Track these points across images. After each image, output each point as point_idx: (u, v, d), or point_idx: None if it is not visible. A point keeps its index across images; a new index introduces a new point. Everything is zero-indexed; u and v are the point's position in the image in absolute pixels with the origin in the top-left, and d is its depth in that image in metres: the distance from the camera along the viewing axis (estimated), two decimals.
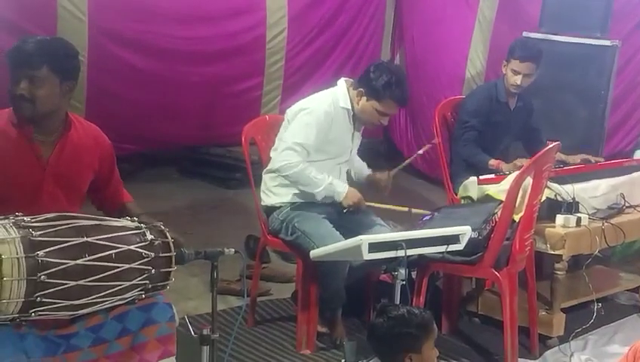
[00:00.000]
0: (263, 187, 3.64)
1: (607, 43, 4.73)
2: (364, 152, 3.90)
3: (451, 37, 6.18)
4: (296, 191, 3.52)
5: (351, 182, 3.70)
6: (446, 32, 6.21)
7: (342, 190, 3.49)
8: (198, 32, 5.74)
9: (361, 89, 3.52)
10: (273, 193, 3.59)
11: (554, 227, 3.62)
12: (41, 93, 2.49)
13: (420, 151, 3.92)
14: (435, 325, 2.52)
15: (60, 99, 2.56)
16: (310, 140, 3.45)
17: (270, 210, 3.61)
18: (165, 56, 5.61)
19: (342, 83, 3.59)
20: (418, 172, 6.11)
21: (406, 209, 3.65)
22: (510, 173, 3.72)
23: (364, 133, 3.78)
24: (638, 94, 5.63)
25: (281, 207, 3.56)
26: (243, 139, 3.69)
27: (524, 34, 4.87)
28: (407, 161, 3.88)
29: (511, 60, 4.10)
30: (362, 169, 3.82)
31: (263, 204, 3.64)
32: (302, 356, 3.52)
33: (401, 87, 3.53)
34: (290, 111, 3.57)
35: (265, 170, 3.65)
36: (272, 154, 3.57)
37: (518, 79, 4.09)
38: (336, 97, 3.54)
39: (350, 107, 3.55)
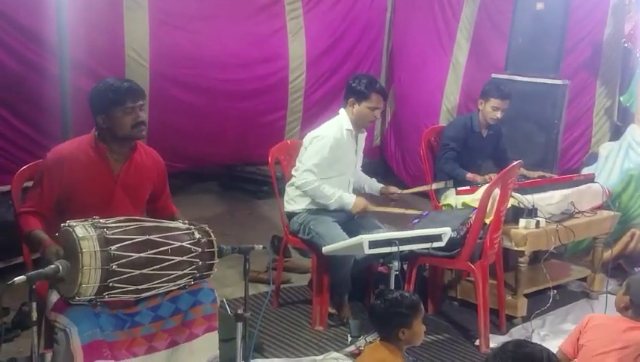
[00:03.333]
0: (285, 197, 3.65)
1: (559, 82, 4.72)
2: (365, 171, 3.90)
3: (430, 77, 6.18)
4: (310, 200, 3.54)
5: (359, 193, 3.70)
6: (426, 72, 6.21)
7: (350, 201, 3.50)
8: (235, 75, 5.76)
9: (351, 98, 3.53)
10: (294, 201, 3.60)
11: (517, 228, 3.60)
12: (145, 117, 2.59)
13: (434, 186, 3.91)
14: (422, 306, 2.50)
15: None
16: (324, 161, 3.46)
17: (291, 215, 3.62)
18: (209, 94, 5.63)
19: (342, 111, 3.60)
20: (405, 184, 6.08)
21: (403, 211, 3.64)
22: (482, 186, 3.72)
23: (363, 154, 3.79)
24: (584, 122, 5.60)
25: (300, 212, 3.56)
26: (269, 159, 3.70)
27: (493, 75, 4.86)
28: (418, 189, 3.88)
29: (490, 99, 4.07)
30: (373, 183, 3.82)
31: (285, 210, 3.65)
32: (316, 331, 3.51)
33: (378, 82, 3.60)
34: (306, 139, 3.58)
35: (287, 184, 3.65)
36: (293, 172, 3.58)
37: (498, 114, 4.07)
38: (341, 123, 3.56)
39: (352, 127, 3.56)
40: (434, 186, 3.93)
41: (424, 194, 4.18)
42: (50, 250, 2.33)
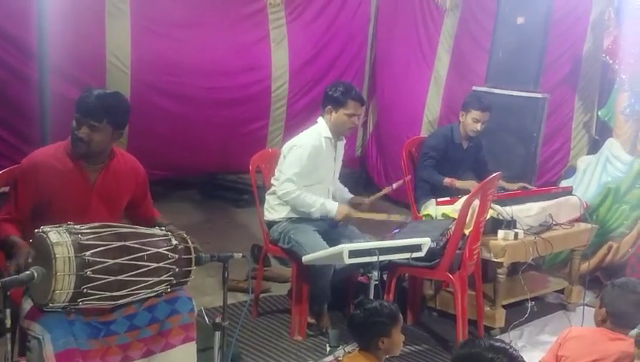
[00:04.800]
0: (265, 205, 3.63)
1: (538, 95, 4.75)
2: (346, 181, 3.90)
3: (413, 89, 6.21)
4: (292, 209, 3.52)
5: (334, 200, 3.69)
6: (409, 85, 6.24)
7: (332, 208, 3.49)
8: (218, 84, 5.75)
9: (328, 106, 3.53)
10: (274, 210, 3.58)
11: (496, 240, 3.61)
12: (97, 138, 2.50)
13: (394, 185, 3.89)
14: (401, 315, 2.50)
15: (110, 142, 2.57)
16: (303, 169, 3.46)
17: (271, 223, 3.60)
18: (192, 102, 5.61)
19: (321, 120, 3.60)
20: (388, 196, 6.08)
21: (386, 217, 3.62)
22: (461, 191, 3.72)
23: (345, 164, 3.78)
24: (563, 136, 5.66)
25: (280, 221, 3.55)
26: (250, 168, 3.68)
27: (474, 88, 4.89)
28: (382, 192, 3.83)
29: (471, 111, 4.10)
30: (344, 192, 3.80)
31: (265, 219, 3.63)
32: (295, 341, 3.50)
33: (355, 89, 3.57)
34: (285, 147, 3.57)
35: (267, 192, 3.64)
36: (273, 181, 3.57)
37: (478, 126, 4.10)
38: (319, 131, 3.56)
39: (330, 135, 3.55)
40: (394, 185, 3.86)
41: (406, 205, 4.18)
42: (21, 251, 2.29)
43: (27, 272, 2.14)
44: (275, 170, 3.60)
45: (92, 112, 2.47)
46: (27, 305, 2.33)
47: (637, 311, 2.54)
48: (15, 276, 2.13)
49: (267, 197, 3.64)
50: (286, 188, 3.44)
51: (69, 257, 2.15)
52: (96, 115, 2.47)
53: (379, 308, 2.44)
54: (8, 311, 2.04)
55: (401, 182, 3.88)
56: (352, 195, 3.81)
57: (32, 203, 2.49)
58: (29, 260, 2.25)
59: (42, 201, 2.49)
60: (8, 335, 2.08)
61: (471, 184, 3.94)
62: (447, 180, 4.02)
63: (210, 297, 3.79)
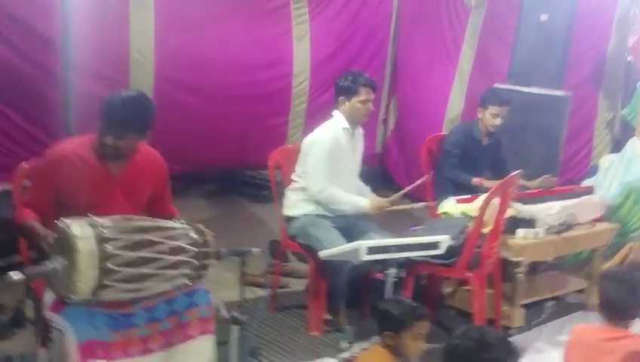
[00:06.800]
0: (285, 201, 3.64)
1: (561, 94, 4.72)
2: (366, 178, 3.88)
3: (436, 85, 6.17)
4: (312, 206, 3.52)
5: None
6: (431, 82, 6.20)
7: (364, 204, 3.49)
8: (240, 79, 5.74)
9: (341, 97, 3.53)
10: (295, 207, 3.59)
11: (515, 239, 3.59)
12: (124, 144, 2.51)
13: (418, 182, 3.88)
14: (422, 323, 2.42)
15: (136, 144, 2.58)
16: (329, 164, 3.46)
17: (290, 219, 3.61)
18: (213, 97, 5.61)
19: (336, 113, 3.60)
20: (408, 194, 6.04)
21: (409, 207, 3.59)
22: (481, 194, 3.70)
23: (364, 161, 3.78)
24: (586, 134, 5.60)
25: (299, 217, 3.56)
26: (269, 163, 3.69)
27: (496, 84, 4.86)
28: (403, 191, 3.82)
29: (489, 107, 4.08)
30: (365, 193, 3.77)
31: (284, 214, 3.64)
32: (311, 336, 3.51)
33: (364, 75, 3.56)
34: (305, 143, 3.58)
35: (288, 188, 3.65)
36: (294, 178, 3.55)
37: (497, 120, 4.08)
38: (336, 124, 3.56)
39: (348, 125, 3.55)
40: (418, 182, 3.82)
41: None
42: (43, 236, 2.32)
43: (51, 267, 2.16)
44: (296, 166, 3.60)
45: (117, 126, 2.47)
46: (50, 296, 2.37)
47: (630, 300, 2.40)
48: (38, 268, 2.16)
49: (287, 193, 3.64)
50: (317, 187, 3.45)
51: (91, 250, 2.17)
52: (121, 128, 2.48)
53: (396, 304, 2.43)
54: (30, 302, 2.06)
55: (423, 179, 3.86)
56: (372, 195, 3.77)
57: (53, 193, 2.51)
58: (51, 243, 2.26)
59: (65, 193, 2.51)
60: (32, 327, 2.10)
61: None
62: (476, 179, 3.99)
63: (229, 292, 3.76)
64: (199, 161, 5.79)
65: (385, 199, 3.65)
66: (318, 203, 3.52)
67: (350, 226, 3.56)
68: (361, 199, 3.51)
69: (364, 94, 3.50)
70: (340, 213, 3.47)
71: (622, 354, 2.35)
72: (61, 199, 2.53)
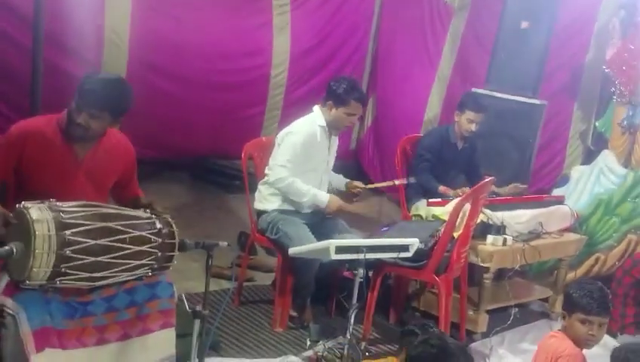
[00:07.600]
0: (257, 194, 3.59)
1: (537, 102, 4.74)
2: (339, 172, 3.86)
3: (415, 87, 6.17)
4: (284, 201, 3.48)
5: (331, 190, 3.66)
6: (411, 82, 6.19)
7: (324, 199, 3.46)
8: (216, 66, 5.66)
9: (330, 102, 3.49)
10: (266, 200, 3.54)
11: (485, 244, 3.59)
12: (95, 126, 2.45)
13: (397, 182, 3.86)
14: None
15: (106, 128, 2.52)
16: (297, 157, 3.41)
17: (260, 213, 3.56)
18: (188, 84, 5.52)
19: (316, 108, 3.56)
20: (381, 191, 6.05)
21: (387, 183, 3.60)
22: (454, 199, 3.70)
23: (339, 156, 3.75)
24: (559, 144, 5.64)
25: (269, 211, 3.51)
26: (243, 155, 3.64)
27: (473, 89, 4.86)
28: (382, 184, 3.81)
29: (466, 111, 4.09)
30: (339, 178, 3.78)
31: (255, 207, 3.59)
32: (275, 333, 3.46)
33: (359, 89, 3.54)
34: (279, 136, 3.53)
35: (260, 182, 3.60)
36: (267, 171, 3.53)
37: (472, 126, 4.09)
38: (314, 119, 3.52)
39: (325, 124, 3.51)
40: (397, 182, 3.87)
41: (396, 203, 4.15)
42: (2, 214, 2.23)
43: (6, 248, 2.10)
44: (270, 159, 3.55)
45: (94, 103, 2.41)
46: (4, 280, 2.28)
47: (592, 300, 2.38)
48: None
49: (260, 186, 3.59)
50: (279, 175, 3.40)
51: (49, 235, 2.11)
52: (98, 106, 2.42)
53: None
54: None
55: (404, 180, 3.85)
56: (347, 180, 3.78)
57: (13, 168, 2.42)
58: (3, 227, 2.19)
59: (26, 173, 2.43)
60: None
61: (465, 192, 3.90)
62: (441, 188, 3.99)
63: (194, 282, 3.74)
64: (172, 147, 5.69)
65: (345, 204, 3.62)
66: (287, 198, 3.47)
67: (321, 223, 3.52)
68: (322, 194, 3.47)
69: (353, 108, 3.47)
70: (299, 206, 3.42)
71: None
72: (21, 178, 2.44)
